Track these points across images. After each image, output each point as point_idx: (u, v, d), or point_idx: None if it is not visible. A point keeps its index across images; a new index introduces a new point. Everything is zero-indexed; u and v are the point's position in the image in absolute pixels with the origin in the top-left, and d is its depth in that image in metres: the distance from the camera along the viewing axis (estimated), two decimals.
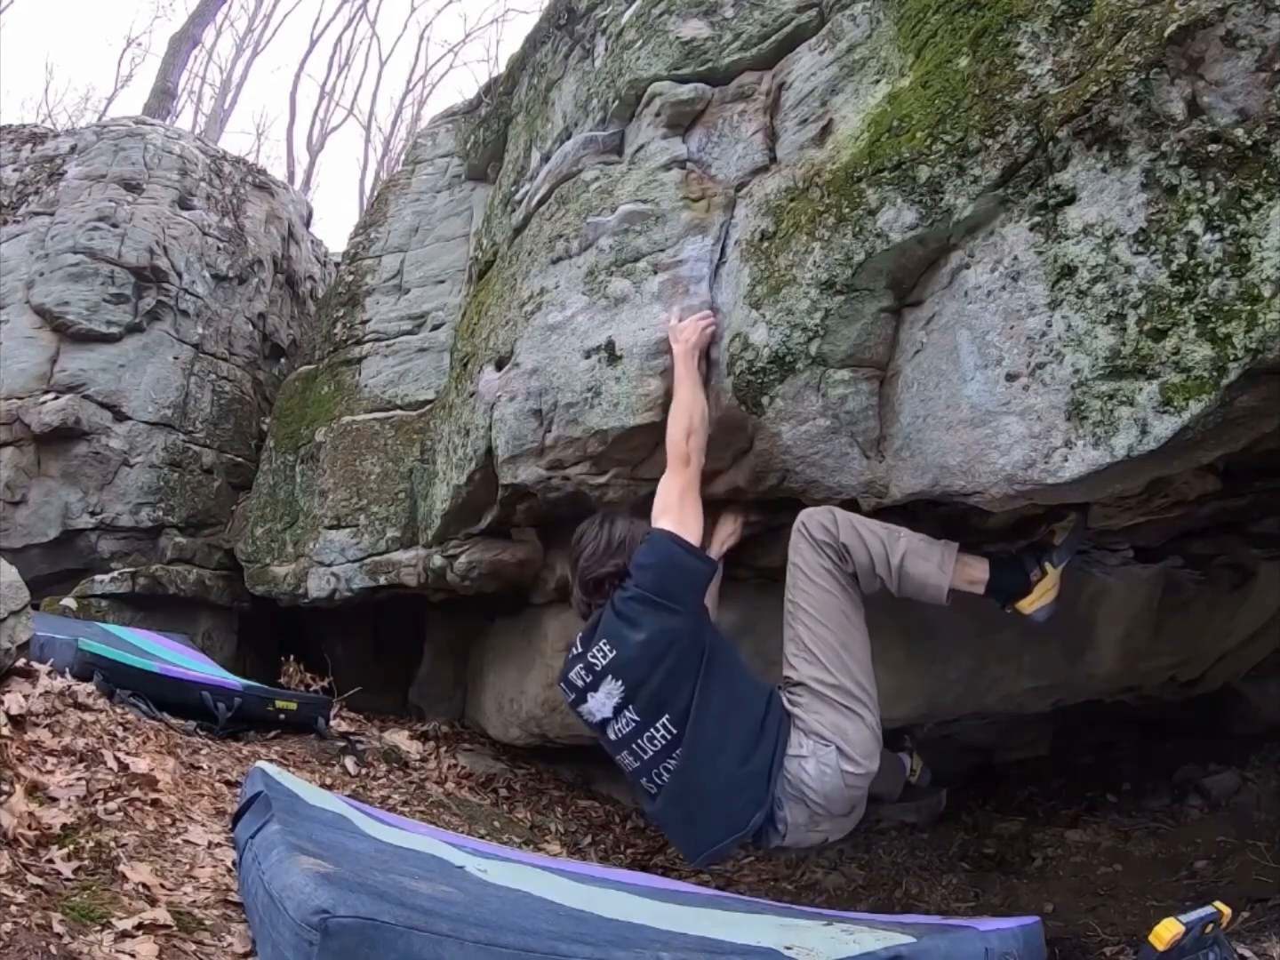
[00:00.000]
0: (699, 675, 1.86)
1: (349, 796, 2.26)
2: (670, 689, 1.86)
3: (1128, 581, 2.49)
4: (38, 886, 1.31)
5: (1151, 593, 2.51)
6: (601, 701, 1.93)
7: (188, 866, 1.57)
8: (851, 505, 2.16)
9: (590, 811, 3.11)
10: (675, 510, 1.98)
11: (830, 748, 1.82)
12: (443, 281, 4.03)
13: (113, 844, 1.53)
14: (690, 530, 1.97)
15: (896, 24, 1.98)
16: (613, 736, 1.93)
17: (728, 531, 2.32)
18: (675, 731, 1.85)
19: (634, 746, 1.90)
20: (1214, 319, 1.38)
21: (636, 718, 1.89)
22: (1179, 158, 1.42)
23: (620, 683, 1.91)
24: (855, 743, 1.84)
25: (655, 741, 1.87)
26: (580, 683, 1.97)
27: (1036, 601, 1.90)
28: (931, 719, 2.71)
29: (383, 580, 3.38)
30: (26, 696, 1.94)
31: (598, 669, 1.94)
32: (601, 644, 1.94)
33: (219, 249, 5.19)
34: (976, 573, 1.90)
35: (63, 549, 4.41)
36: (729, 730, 1.84)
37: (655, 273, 2.31)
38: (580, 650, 2.00)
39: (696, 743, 1.84)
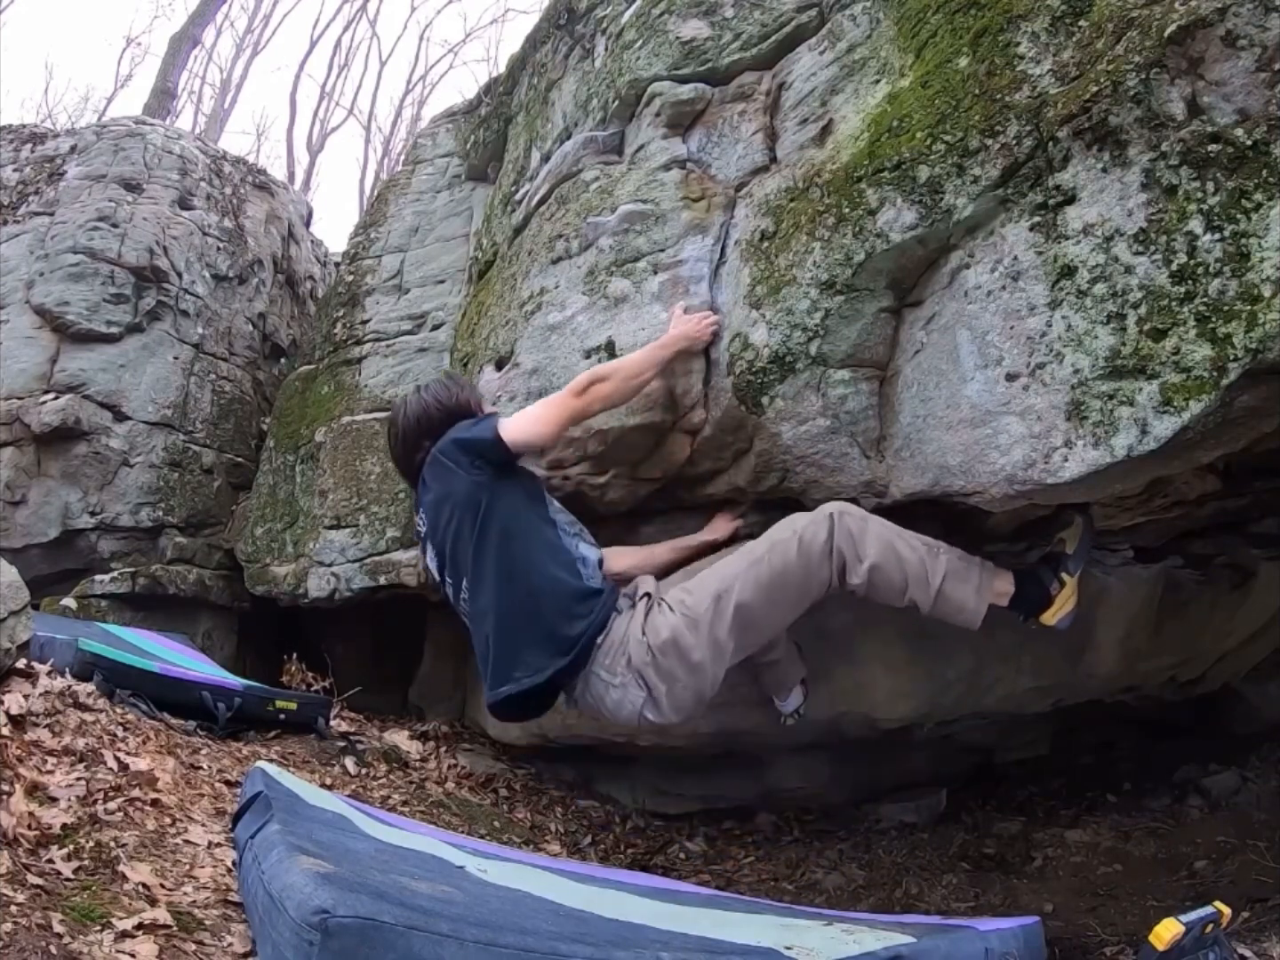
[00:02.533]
0: (474, 539, 1.92)
1: (349, 796, 2.26)
2: (459, 552, 1.96)
3: (1128, 581, 2.49)
4: (38, 886, 1.31)
5: (1151, 593, 2.50)
6: (433, 566, 2.08)
7: (188, 866, 1.57)
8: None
9: (590, 811, 3.11)
10: (525, 411, 2.04)
11: (644, 694, 1.86)
12: (443, 281, 4.03)
13: (113, 844, 1.53)
14: (514, 423, 1.98)
15: (896, 24, 1.99)
16: (451, 598, 2.06)
17: (723, 527, 2.31)
18: (468, 595, 1.97)
19: (461, 607, 2.04)
20: (1214, 319, 1.38)
21: (450, 580, 2.03)
22: (1179, 158, 1.43)
23: (432, 548, 2.06)
24: (672, 699, 1.88)
25: (464, 603, 2.01)
26: (427, 556, 2.12)
27: (1059, 612, 1.90)
28: (931, 719, 2.71)
29: (383, 580, 3.38)
30: (26, 696, 1.94)
31: (421, 536, 2.12)
32: (420, 514, 2.10)
33: (219, 249, 5.19)
34: (1003, 586, 1.89)
35: (63, 549, 4.41)
36: (504, 599, 1.91)
37: (655, 273, 2.31)
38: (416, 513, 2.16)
39: (477, 606, 1.96)
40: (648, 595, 1.97)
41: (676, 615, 1.88)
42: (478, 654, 2.01)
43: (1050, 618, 1.91)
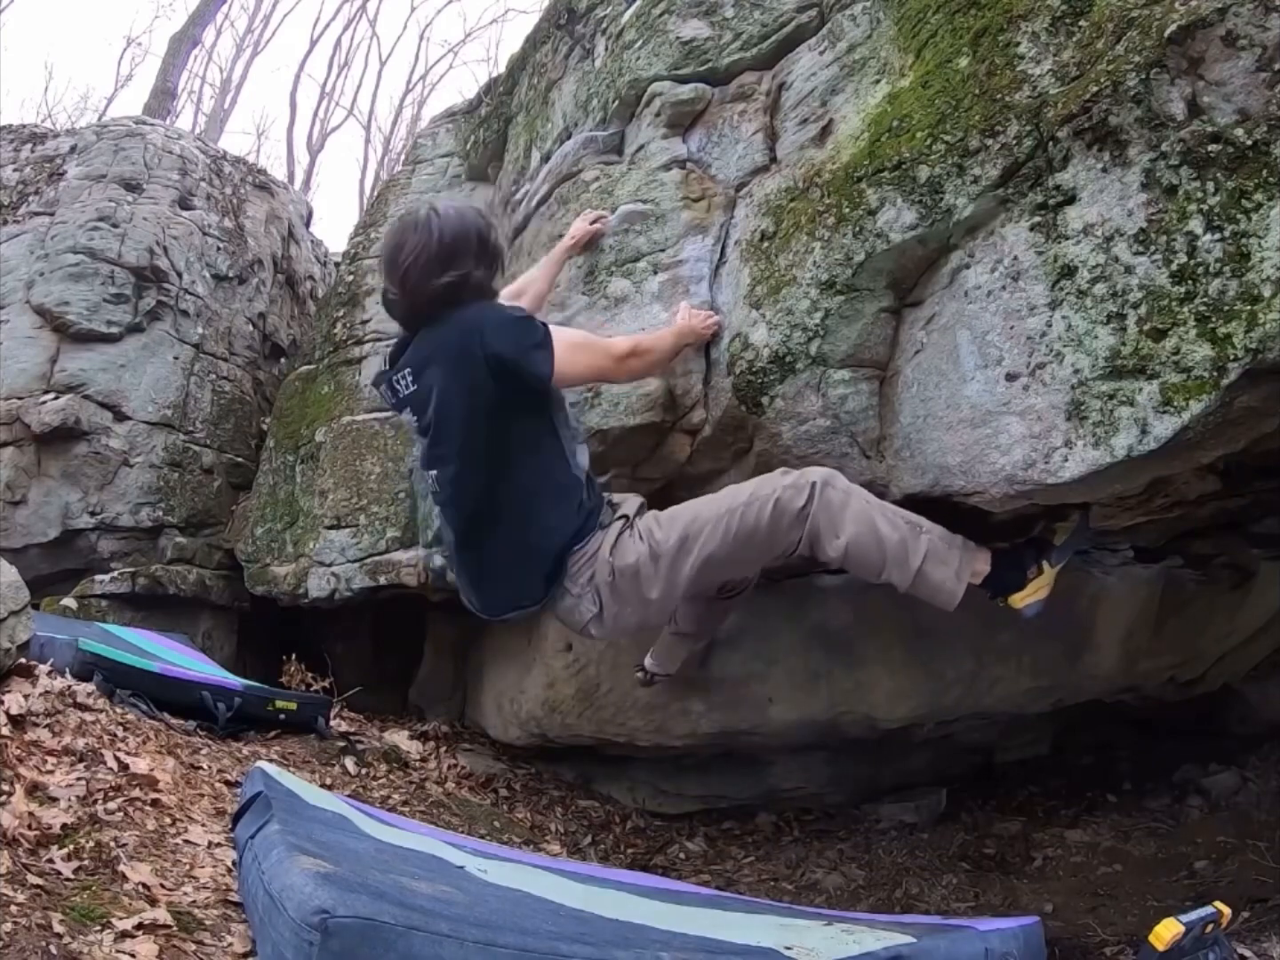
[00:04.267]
0: (481, 445, 1.86)
1: (349, 796, 2.26)
2: (458, 443, 1.88)
3: (1128, 581, 2.49)
4: (38, 886, 1.31)
5: (1151, 593, 2.51)
6: (410, 422, 2.00)
7: (188, 866, 1.57)
8: None
9: (590, 811, 3.11)
10: (571, 346, 1.90)
11: (595, 609, 1.90)
12: None
13: (113, 844, 1.53)
14: (562, 360, 1.86)
15: (896, 24, 1.99)
16: (420, 460, 2.02)
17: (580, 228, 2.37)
18: (450, 483, 1.93)
19: (429, 480, 2.00)
20: (1214, 319, 1.38)
21: (429, 449, 1.95)
22: (1179, 158, 1.43)
23: (414, 416, 1.95)
24: (617, 621, 1.93)
25: (436, 482, 1.96)
26: (393, 398, 2.01)
27: (1029, 598, 1.85)
28: (931, 719, 2.72)
29: (383, 580, 3.38)
30: (26, 696, 1.94)
31: (400, 394, 1.96)
32: (405, 371, 1.93)
33: (219, 249, 5.19)
34: (980, 566, 1.85)
35: (63, 549, 4.41)
36: (503, 529, 1.90)
37: (655, 273, 2.31)
38: (386, 368, 2.03)
39: (461, 507, 1.95)
40: (625, 518, 1.95)
41: (644, 545, 1.87)
42: (455, 553, 2.02)
43: (1019, 600, 1.85)
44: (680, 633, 2.47)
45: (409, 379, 1.93)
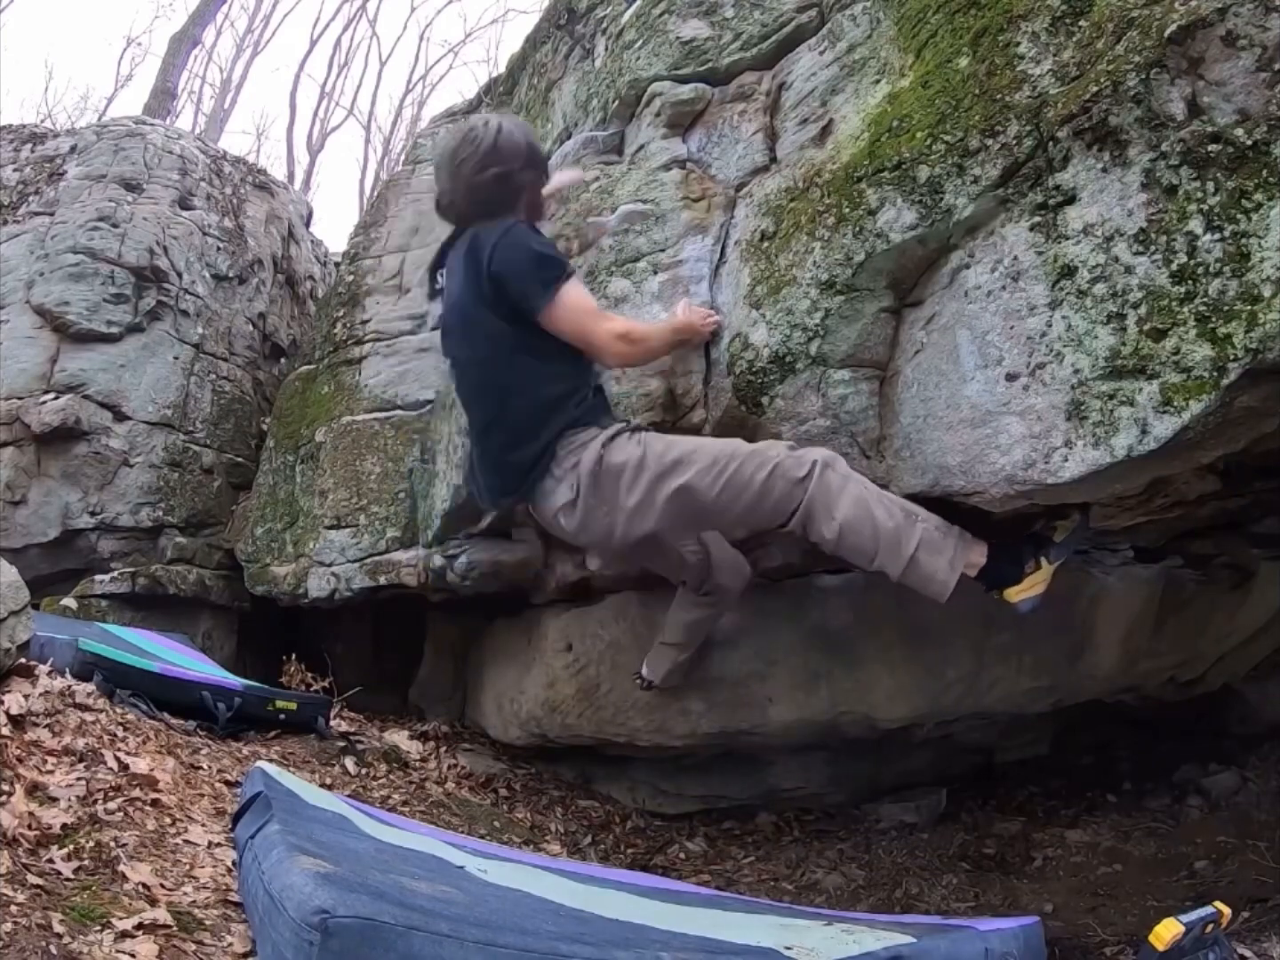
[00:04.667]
0: (487, 345, 1.98)
1: (349, 796, 2.26)
2: (467, 338, 2.03)
3: (1128, 581, 2.49)
4: (38, 886, 1.31)
5: (1151, 593, 2.51)
6: (435, 314, 2.21)
7: (188, 866, 1.57)
8: None
9: (590, 811, 3.11)
10: (574, 309, 1.95)
11: (570, 496, 1.94)
12: None
13: (113, 844, 1.53)
14: (561, 314, 1.93)
15: (896, 24, 1.99)
16: (441, 346, 2.17)
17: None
18: (458, 381, 2.10)
19: (447, 365, 2.15)
20: (1214, 319, 1.38)
21: (442, 341, 2.15)
22: (1179, 158, 1.43)
23: (442, 308, 2.11)
24: (586, 517, 1.96)
25: (453, 375, 2.12)
26: (431, 289, 2.18)
27: (1024, 592, 1.84)
28: (931, 719, 2.71)
29: (383, 580, 3.38)
30: (26, 696, 1.94)
31: (438, 286, 2.13)
32: (442, 273, 2.10)
33: (219, 249, 5.19)
34: (976, 557, 1.83)
35: (63, 549, 4.41)
36: (508, 413, 1.99)
37: (655, 273, 2.31)
38: (435, 261, 2.18)
39: (466, 399, 2.11)
40: (627, 422, 2.02)
41: (639, 450, 1.91)
42: (472, 443, 2.15)
43: (1015, 594, 1.84)
44: (666, 642, 2.51)
45: (445, 275, 2.10)
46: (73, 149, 5.17)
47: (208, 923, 1.37)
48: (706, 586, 2.33)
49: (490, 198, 2.00)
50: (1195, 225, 1.41)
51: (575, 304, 1.95)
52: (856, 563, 1.89)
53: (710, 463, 1.87)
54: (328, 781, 2.48)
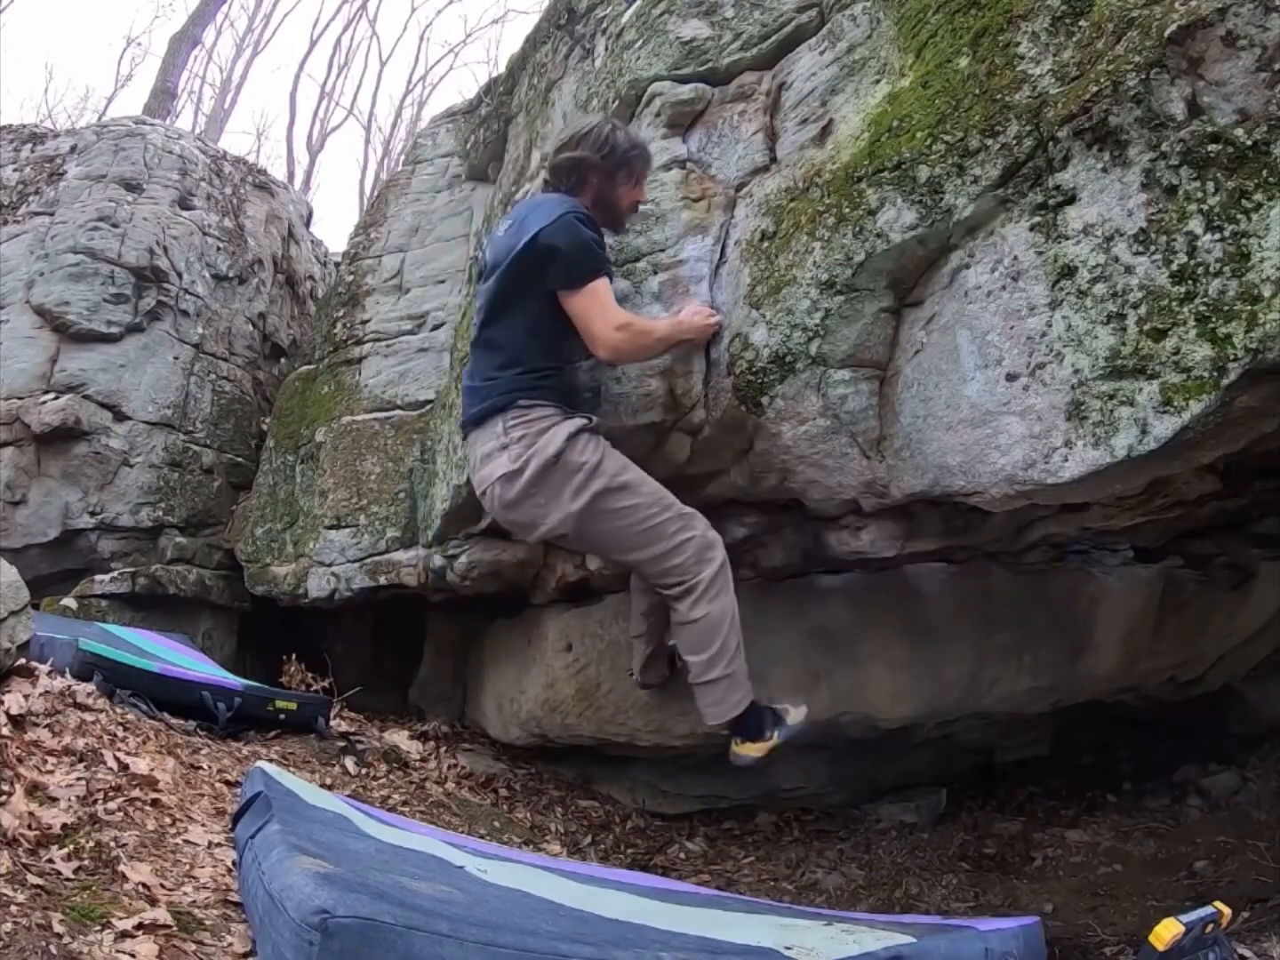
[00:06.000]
0: (513, 303, 2.10)
1: (349, 796, 2.26)
2: (485, 301, 2.17)
3: (1128, 581, 2.49)
4: (38, 886, 1.31)
5: (1151, 593, 2.51)
6: (482, 258, 2.28)
7: (188, 866, 1.57)
8: (852, 505, 2.16)
9: (590, 811, 3.11)
10: (602, 290, 2.06)
11: (509, 469, 2.03)
12: (443, 281, 4.03)
13: (113, 844, 1.53)
14: (579, 296, 2.04)
15: (897, 24, 1.98)
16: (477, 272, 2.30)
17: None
18: (479, 320, 2.20)
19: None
20: (1214, 319, 1.38)
21: (479, 282, 2.25)
22: (1179, 158, 1.43)
23: (490, 255, 2.21)
24: (520, 495, 2.06)
25: (478, 308, 2.20)
26: (489, 234, 2.32)
27: (752, 751, 2.14)
28: (931, 719, 2.72)
29: (383, 580, 3.38)
30: (26, 696, 1.94)
31: (494, 234, 2.26)
32: (509, 223, 2.21)
33: (219, 249, 5.19)
34: (745, 707, 2.12)
35: (63, 549, 4.41)
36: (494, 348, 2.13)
37: (655, 273, 2.30)
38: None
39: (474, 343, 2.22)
40: (589, 420, 2.11)
41: (597, 458, 2.04)
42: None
43: (745, 749, 2.15)
44: (632, 635, 2.59)
45: (504, 226, 2.22)
46: (73, 149, 5.17)
47: (208, 923, 1.37)
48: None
49: (559, 174, 2.20)
50: (1195, 225, 1.41)
51: (599, 296, 2.05)
52: (682, 648, 2.17)
53: (650, 501, 2.06)
54: (328, 781, 2.48)
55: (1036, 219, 1.61)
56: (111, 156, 5.06)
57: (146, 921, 1.29)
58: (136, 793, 1.79)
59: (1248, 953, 1.40)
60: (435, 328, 3.91)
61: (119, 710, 2.29)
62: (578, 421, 2.07)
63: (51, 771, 1.72)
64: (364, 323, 4.11)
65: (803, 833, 3.07)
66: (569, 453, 2.02)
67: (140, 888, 1.42)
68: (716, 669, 2.07)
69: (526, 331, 2.10)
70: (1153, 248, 1.45)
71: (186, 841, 1.68)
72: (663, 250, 2.32)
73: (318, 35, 20.14)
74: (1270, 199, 1.34)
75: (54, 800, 1.60)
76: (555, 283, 2.05)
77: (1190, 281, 1.41)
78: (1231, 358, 1.37)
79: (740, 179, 2.32)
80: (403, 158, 5.37)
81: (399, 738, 3.20)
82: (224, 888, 1.51)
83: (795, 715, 2.19)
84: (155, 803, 1.80)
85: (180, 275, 4.90)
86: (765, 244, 2.10)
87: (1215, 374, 1.38)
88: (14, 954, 1.12)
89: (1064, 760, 3.30)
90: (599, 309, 2.05)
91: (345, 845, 1.50)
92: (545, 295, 2.07)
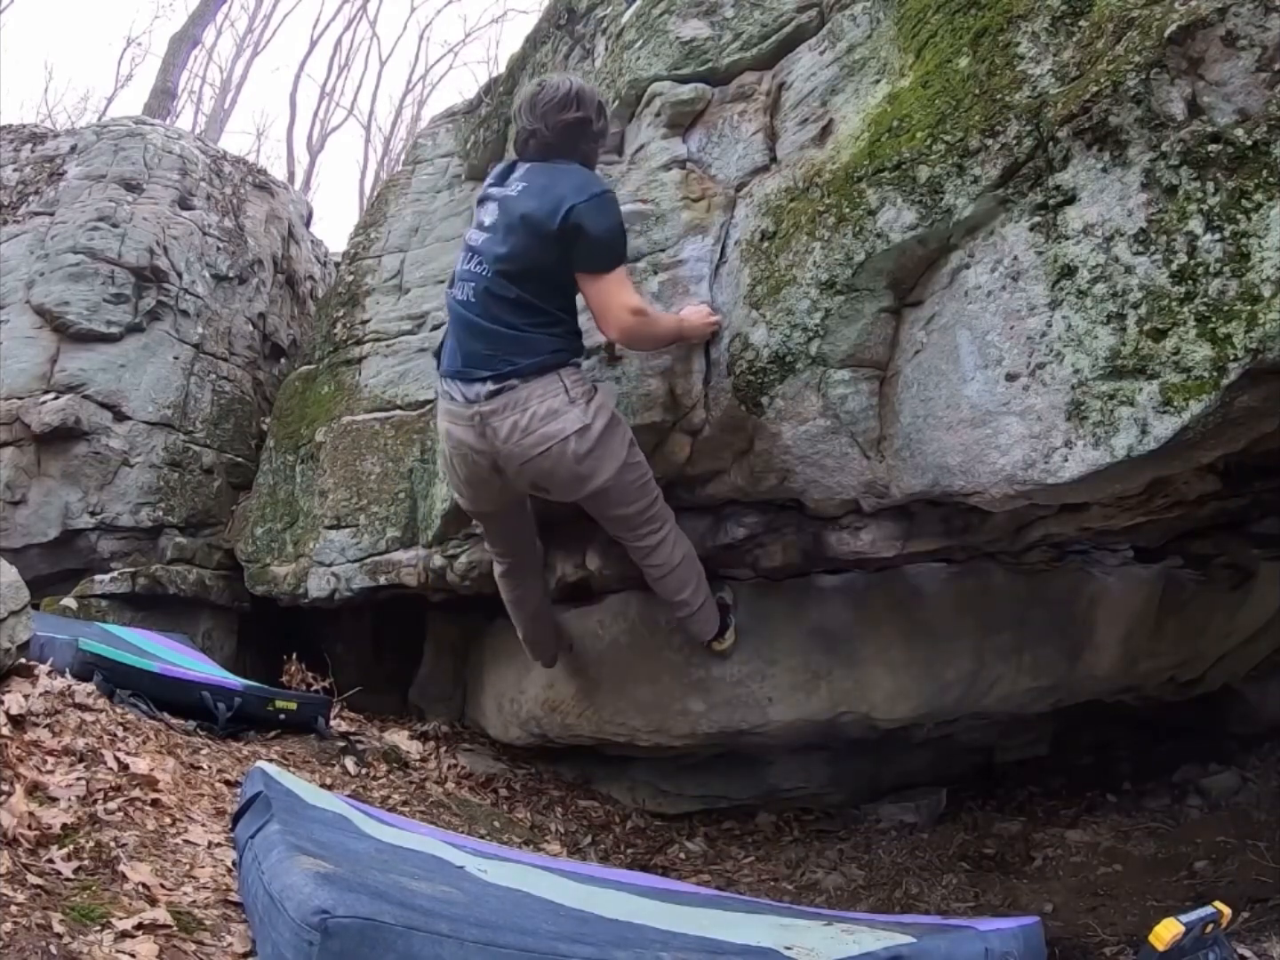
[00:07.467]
0: (519, 269, 2.10)
1: (349, 796, 2.26)
2: (506, 252, 2.13)
3: (1128, 581, 2.49)
4: (38, 886, 1.31)
5: (1151, 593, 2.51)
6: (485, 213, 2.24)
7: (188, 866, 1.57)
8: (852, 505, 2.16)
9: (590, 811, 3.11)
10: (623, 272, 2.09)
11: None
12: (443, 281, 4.00)
13: (113, 844, 1.53)
14: (601, 280, 2.06)
15: (897, 24, 1.99)
16: (477, 242, 2.24)
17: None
18: (483, 273, 2.17)
19: (477, 260, 2.21)
20: (1214, 319, 1.38)
21: (486, 240, 2.19)
22: (1179, 158, 1.43)
23: (497, 211, 2.18)
24: (537, 449, 2.09)
25: (473, 268, 2.20)
26: (494, 185, 2.26)
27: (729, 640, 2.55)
28: (931, 719, 2.71)
29: (383, 580, 3.38)
30: (26, 696, 1.94)
31: (503, 185, 2.22)
32: (520, 184, 2.16)
33: (219, 249, 5.19)
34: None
35: (63, 549, 4.41)
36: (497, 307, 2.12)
37: (655, 273, 2.31)
38: (503, 166, 2.30)
39: (482, 294, 2.17)
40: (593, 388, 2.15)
41: (603, 435, 2.10)
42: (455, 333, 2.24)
43: (720, 647, 2.56)
44: (528, 639, 2.80)
45: (519, 186, 2.17)
46: (73, 149, 5.17)
47: (208, 923, 1.37)
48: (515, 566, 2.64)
49: (575, 139, 2.18)
50: (1195, 225, 1.41)
51: (623, 280, 2.09)
52: (665, 594, 2.39)
53: (643, 457, 2.22)
54: (328, 781, 2.48)
55: (1036, 219, 1.61)
56: (111, 156, 5.05)
57: (146, 921, 1.29)
58: (136, 793, 1.79)
59: (1248, 953, 1.40)
60: (435, 328, 3.91)
61: (119, 710, 2.29)
62: (612, 408, 2.18)
63: (51, 771, 1.72)
64: (364, 323, 4.11)
65: (803, 833, 3.07)
66: (595, 419, 2.10)
67: (140, 888, 1.42)
68: (699, 598, 2.38)
69: (563, 294, 2.14)
70: (1153, 248, 1.45)
71: (186, 841, 1.68)
72: (663, 250, 2.32)
73: (318, 35, 20.03)
74: (1270, 199, 1.34)
75: (54, 800, 1.60)
76: (582, 263, 2.06)
77: (1190, 281, 1.41)
78: (1231, 358, 1.37)
79: (740, 179, 2.32)
80: (403, 158, 5.37)
81: (399, 738, 3.20)
82: (224, 888, 1.51)
83: (728, 595, 2.59)
84: (155, 803, 1.80)
85: (180, 275, 4.90)
86: (765, 244, 2.10)
87: (1215, 374, 1.38)
88: (14, 954, 1.12)
89: (1064, 760, 3.30)
90: (620, 291, 2.07)
91: (345, 845, 1.50)
92: (570, 263, 2.09)
